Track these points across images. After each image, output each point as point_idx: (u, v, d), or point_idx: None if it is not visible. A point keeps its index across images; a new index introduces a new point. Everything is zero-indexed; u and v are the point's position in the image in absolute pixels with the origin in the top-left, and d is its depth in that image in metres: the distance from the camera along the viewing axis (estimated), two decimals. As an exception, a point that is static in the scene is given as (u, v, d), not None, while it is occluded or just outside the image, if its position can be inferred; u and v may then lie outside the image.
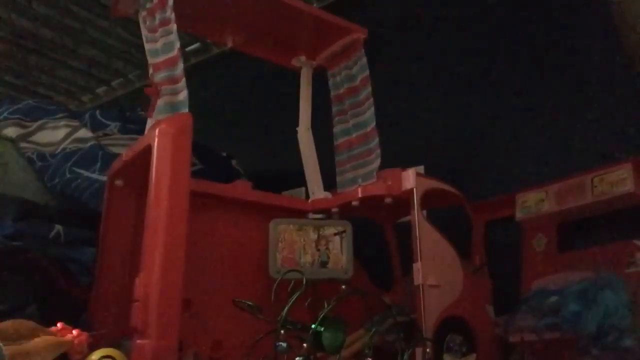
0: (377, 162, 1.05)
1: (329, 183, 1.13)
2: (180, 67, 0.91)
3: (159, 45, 0.94)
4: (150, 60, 0.95)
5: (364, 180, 1.07)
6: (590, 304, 0.89)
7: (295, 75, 1.20)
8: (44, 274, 0.97)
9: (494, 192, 1.24)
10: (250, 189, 1.04)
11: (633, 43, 1.03)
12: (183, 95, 0.90)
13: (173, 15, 0.92)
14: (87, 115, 1.36)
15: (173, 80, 0.91)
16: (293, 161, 1.16)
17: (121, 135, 1.32)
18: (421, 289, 0.92)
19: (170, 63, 0.92)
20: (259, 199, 1.04)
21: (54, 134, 1.27)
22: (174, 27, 0.92)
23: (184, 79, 0.90)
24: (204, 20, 1.12)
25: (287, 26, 1.12)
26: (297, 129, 1.15)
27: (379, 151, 1.06)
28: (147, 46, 0.97)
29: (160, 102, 0.92)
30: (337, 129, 1.16)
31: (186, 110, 0.89)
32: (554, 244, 1.13)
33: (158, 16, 0.94)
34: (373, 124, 1.08)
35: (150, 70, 0.95)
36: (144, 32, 0.99)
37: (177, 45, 0.92)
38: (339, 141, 1.15)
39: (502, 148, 1.32)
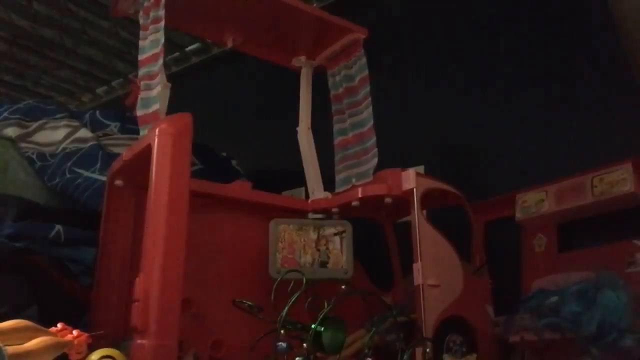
0: (374, 162, 1.05)
1: (329, 183, 1.13)
2: (159, 63, 0.91)
3: (147, 42, 0.95)
4: (139, 57, 0.96)
5: (358, 179, 1.07)
6: (590, 304, 0.89)
7: (295, 75, 1.20)
8: (44, 274, 0.97)
9: (494, 192, 1.24)
10: (250, 189, 1.04)
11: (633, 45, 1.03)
12: (156, 90, 0.90)
13: (163, 13, 0.93)
14: (87, 115, 1.36)
15: (151, 76, 0.92)
16: (293, 161, 1.16)
17: (121, 135, 1.32)
18: (421, 289, 0.92)
19: (153, 59, 0.93)
20: (259, 199, 1.04)
21: (54, 134, 1.27)
22: (162, 24, 0.93)
23: (159, 75, 0.91)
24: (204, 20, 1.12)
25: (287, 26, 1.12)
26: (297, 129, 1.15)
27: (375, 151, 1.06)
28: (139, 44, 0.97)
29: (139, 98, 0.93)
30: (335, 128, 1.16)
31: (157, 106, 0.89)
32: (554, 244, 1.13)
33: (152, 14, 0.95)
34: (371, 124, 1.08)
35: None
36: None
37: (162, 41, 0.92)
38: (337, 140, 1.15)
39: (502, 148, 1.32)
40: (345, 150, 1.12)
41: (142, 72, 0.94)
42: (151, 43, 0.94)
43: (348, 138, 1.12)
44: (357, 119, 1.11)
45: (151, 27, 0.95)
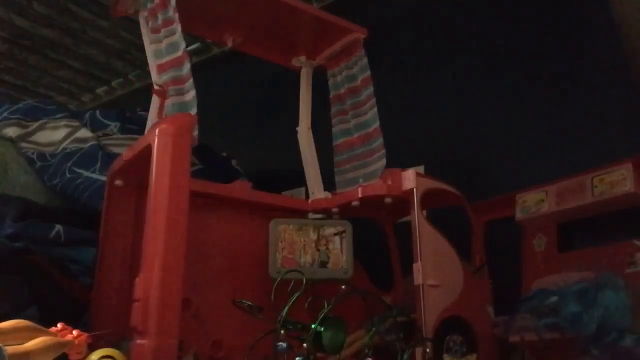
0: (382, 163, 1.05)
1: (329, 183, 1.13)
2: (186, 68, 0.91)
3: (162, 45, 0.94)
4: (155, 61, 0.95)
5: (365, 180, 1.07)
6: (590, 304, 0.89)
7: (295, 75, 1.20)
8: (44, 274, 0.97)
9: (494, 192, 1.24)
10: (250, 189, 1.04)
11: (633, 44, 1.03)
12: (191, 95, 0.90)
13: (176, 15, 0.92)
14: (87, 115, 1.36)
15: (179, 81, 0.92)
16: (293, 161, 1.16)
17: (121, 135, 1.32)
18: (421, 289, 0.92)
19: (176, 63, 0.92)
20: (259, 199, 1.04)
21: (54, 134, 1.27)
22: (178, 27, 0.92)
23: (191, 80, 0.91)
24: (204, 20, 1.12)
25: (287, 26, 1.12)
26: (297, 129, 1.15)
27: (383, 151, 1.06)
28: (150, 47, 0.97)
29: (168, 103, 0.92)
30: (337, 129, 1.16)
31: (194, 110, 0.89)
32: (554, 244, 1.13)
33: (160, 16, 0.94)
34: (376, 125, 1.08)
35: (155, 71, 0.95)
36: (146, 32, 0.99)
37: (182, 45, 0.92)
38: (339, 141, 1.15)
39: (502, 148, 1.32)
40: (351, 151, 1.12)
41: (165, 76, 0.93)
42: (168, 47, 0.93)
43: (353, 139, 1.12)
44: (361, 119, 1.11)
45: (163, 30, 0.94)
